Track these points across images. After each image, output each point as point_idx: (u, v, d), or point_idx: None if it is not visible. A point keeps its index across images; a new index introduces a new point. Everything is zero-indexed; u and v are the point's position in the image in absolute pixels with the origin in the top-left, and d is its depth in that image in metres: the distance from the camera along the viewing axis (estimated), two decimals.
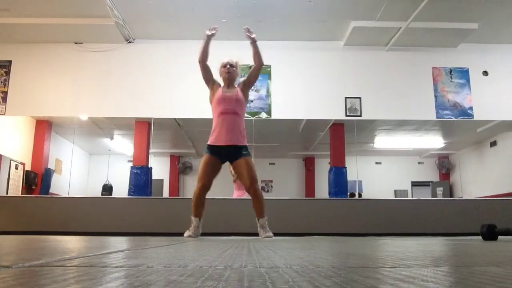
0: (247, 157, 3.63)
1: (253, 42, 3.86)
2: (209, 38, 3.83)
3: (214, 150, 3.61)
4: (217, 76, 3.92)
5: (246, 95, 3.84)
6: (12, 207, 6.68)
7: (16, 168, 8.27)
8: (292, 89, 7.44)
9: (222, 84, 3.85)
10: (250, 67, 7.36)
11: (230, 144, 3.57)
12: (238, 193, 6.48)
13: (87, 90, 7.41)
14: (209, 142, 3.64)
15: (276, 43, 7.45)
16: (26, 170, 8.46)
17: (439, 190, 11.82)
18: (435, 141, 10.74)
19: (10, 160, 8.10)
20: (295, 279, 0.72)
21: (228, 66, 3.80)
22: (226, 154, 3.61)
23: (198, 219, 3.62)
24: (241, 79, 3.96)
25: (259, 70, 3.89)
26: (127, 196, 7.36)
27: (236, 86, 3.86)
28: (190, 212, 3.68)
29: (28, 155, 8.63)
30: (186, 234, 3.62)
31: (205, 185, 3.61)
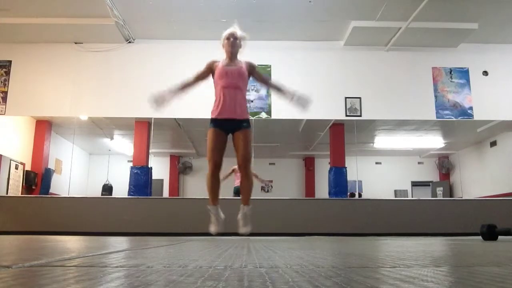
0: (246, 129, 3.57)
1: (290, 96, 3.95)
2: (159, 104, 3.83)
3: (218, 123, 3.56)
4: (215, 61, 3.75)
5: (249, 72, 3.70)
6: (12, 207, 6.68)
7: (16, 168, 8.27)
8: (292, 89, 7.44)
9: (224, 57, 3.69)
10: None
11: (232, 118, 3.54)
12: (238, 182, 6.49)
13: (87, 90, 7.41)
14: (212, 116, 3.59)
15: (276, 43, 7.45)
16: (26, 170, 8.45)
17: (439, 190, 11.82)
18: (435, 141, 10.73)
19: (10, 160, 8.10)
20: (295, 279, 0.72)
21: (231, 38, 3.68)
22: (229, 126, 3.57)
23: (215, 207, 3.51)
24: (252, 63, 3.75)
25: (262, 82, 4.04)
26: (127, 196, 7.36)
27: (240, 60, 3.70)
28: (207, 202, 3.54)
29: (28, 155, 8.63)
30: (212, 230, 3.50)
31: (216, 163, 3.49)
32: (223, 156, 3.56)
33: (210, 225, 3.53)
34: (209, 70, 3.70)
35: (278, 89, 3.86)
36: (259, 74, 3.80)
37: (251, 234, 4.05)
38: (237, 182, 6.57)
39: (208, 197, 3.55)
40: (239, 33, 3.73)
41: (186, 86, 3.73)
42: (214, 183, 3.51)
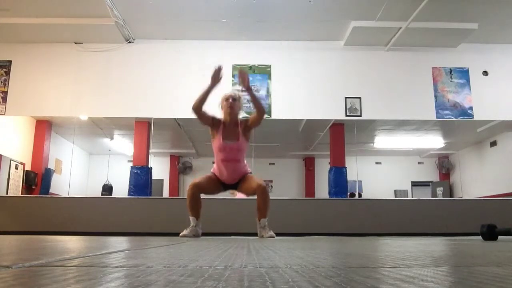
0: (249, 174, 3.77)
1: (248, 90, 3.61)
2: (213, 85, 3.58)
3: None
4: (215, 111, 3.81)
5: (247, 136, 3.77)
6: (12, 207, 6.68)
7: (16, 168, 8.27)
8: (292, 89, 7.44)
9: (223, 117, 3.75)
10: (250, 67, 7.39)
11: (233, 183, 3.76)
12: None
13: (87, 90, 7.41)
14: (213, 172, 3.77)
15: (276, 43, 7.45)
16: (26, 170, 8.45)
17: (439, 190, 11.81)
18: (435, 141, 10.74)
19: (10, 160, 8.10)
20: (295, 279, 0.72)
21: (230, 100, 3.70)
22: (230, 185, 3.79)
23: (195, 219, 3.60)
24: (245, 118, 3.84)
25: (260, 119, 3.68)
26: (127, 196, 7.36)
27: (238, 121, 3.75)
28: (188, 213, 3.68)
29: (28, 155, 8.63)
30: (181, 233, 3.59)
31: (198, 185, 3.63)
32: (207, 191, 3.71)
33: (183, 231, 3.58)
34: (210, 122, 3.73)
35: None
36: (252, 119, 3.72)
37: (251, 234, 4.06)
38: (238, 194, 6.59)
39: (188, 211, 3.65)
40: (237, 92, 3.78)
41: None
42: (193, 202, 3.61)
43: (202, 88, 3.64)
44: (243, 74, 3.66)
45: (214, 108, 3.82)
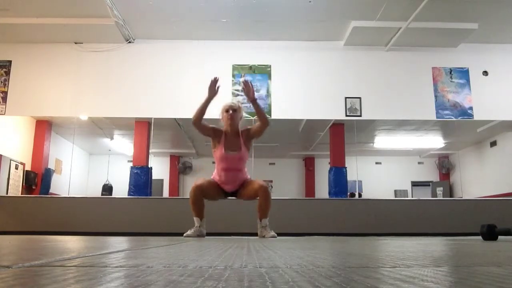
0: (249, 180, 3.79)
1: (253, 102, 3.61)
2: (211, 97, 3.59)
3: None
4: (214, 121, 3.84)
5: (248, 146, 3.80)
6: (12, 207, 6.68)
7: (16, 168, 8.27)
8: (292, 89, 7.44)
9: (223, 127, 3.77)
10: (250, 67, 7.39)
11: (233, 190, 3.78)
12: None
13: (87, 90, 7.41)
14: (214, 178, 3.77)
15: (276, 43, 7.45)
16: (26, 170, 8.45)
17: (439, 190, 11.81)
18: (435, 141, 10.73)
19: (10, 160, 8.10)
20: (295, 279, 0.72)
21: (230, 111, 3.71)
22: (230, 193, 3.81)
23: (199, 219, 3.61)
24: (246, 127, 3.83)
25: (264, 130, 3.74)
26: (127, 196, 7.36)
27: (239, 130, 3.77)
28: (191, 214, 3.68)
29: (28, 155, 8.63)
30: (185, 233, 3.61)
31: (201, 188, 3.62)
32: (207, 195, 3.66)
33: (187, 231, 3.60)
34: (211, 133, 3.73)
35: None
36: (256, 129, 3.77)
37: (251, 234, 4.06)
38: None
39: (192, 211, 3.65)
40: (237, 103, 3.79)
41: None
42: (196, 203, 3.59)
43: (199, 102, 3.66)
44: (248, 86, 3.64)
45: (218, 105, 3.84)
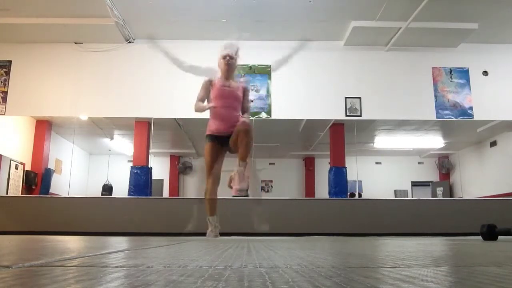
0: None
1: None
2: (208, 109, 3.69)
3: (214, 137, 3.69)
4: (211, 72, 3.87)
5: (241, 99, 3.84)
6: (12, 207, 6.68)
7: (16, 168, 8.27)
8: (292, 89, 7.44)
9: (219, 75, 3.79)
10: (250, 67, 7.40)
11: (228, 133, 3.65)
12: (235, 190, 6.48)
13: (87, 90, 7.41)
14: (208, 133, 3.70)
15: (276, 43, 7.45)
16: (26, 170, 8.45)
17: (439, 190, 11.82)
18: (435, 141, 10.74)
19: (10, 160, 8.10)
20: (295, 279, 0.72)
21: (227, 57, 3.76)
22: (225, 139, 3.66)
23: (215, 217, 3.67)
24: (245, 85, 3.88)
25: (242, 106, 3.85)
26: (127, 196, 7.36)
27: (235, 80, 3.83)
28: (206, 213, 3.69)
29: (28, 155, 8.63)
30: (209, 236, 3.64)
31: (215, 178, 3.64)
32: (220, 169, 3.69)
33: (208, 233, 3.68)
34: (208, 90, 3.76)
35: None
36: (245, 101, 3.83)
37: (251, 234, 4.06)
38: (234, 191, 6.55)
39: (207, 210, 3.70)
40: (234, 51, 3.79)
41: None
42: (212, 200, 3.67)
43: (202, 106, 3.69)
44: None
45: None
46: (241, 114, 3.77)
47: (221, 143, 3.67)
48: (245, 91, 3.82)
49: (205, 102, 3.77)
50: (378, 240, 3.50)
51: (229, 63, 3.74)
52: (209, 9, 6.47)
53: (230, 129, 3.61)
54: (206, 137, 3.71)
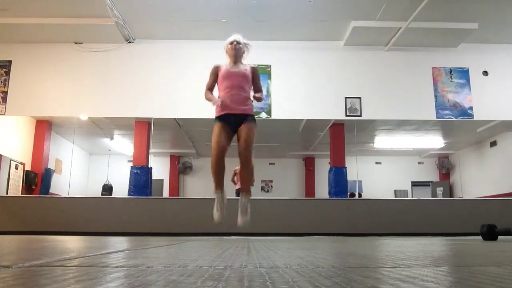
0: (251, 122, 3.57)
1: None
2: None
3: (222, 118, 3.56)
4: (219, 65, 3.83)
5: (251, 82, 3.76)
6: (12, 207, 6.68)
7: (16, 168, 8.27)
8: (292, 89, 7.44)
9: (228, 61, 3.74)
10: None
11: (236, 112, 3.53)
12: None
13: (87, 90, 7.40)
14: (217, 114, 3.59)
15: (276, 43, 7.45)
16: (26, 170, 8.45)
17: (439, 190, 11.82)
18: (435, 141, 10.74)
19: (10, 160, 8.10)
20: (295, 279, 0.72)
21: (235, 43, 3.75)
22: (233, 120, 3.54)
23: (220, 192, 3.47)
24: (255, 67, 3.80)
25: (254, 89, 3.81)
26: (127, 196, 7.36)
27: (244, 64, 3.77)
28: (211, 187, 3.47)
29: (28, 155, 8.63)
30: (215, 217, 3.42)
31: (221, 146, 3.42)
32: (228, 144, 3.49)
33: (213, 212, 3.44)
34: (216, 76, 3.72)
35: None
36: (257, 82, 3.76)
37: (251, 234, 4.05)
38: (238, 185, 6.55)
39: (213, 183, 3.46)
40: (242, 39, 3.79)
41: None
42: (219, 167, 3.43)
43: (209, 97, 3.64)
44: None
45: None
46: (250, 99, 3.65)
47: (230, 123, 3.53)
48: (254, 71, 3.75)
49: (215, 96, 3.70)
50: (378, 240, 3.50)
51: (236, 48, 3.72)
52: (209, 9, 6.47)
53: (238, 108, 3.52)
54: (214, 120, 3.59)
